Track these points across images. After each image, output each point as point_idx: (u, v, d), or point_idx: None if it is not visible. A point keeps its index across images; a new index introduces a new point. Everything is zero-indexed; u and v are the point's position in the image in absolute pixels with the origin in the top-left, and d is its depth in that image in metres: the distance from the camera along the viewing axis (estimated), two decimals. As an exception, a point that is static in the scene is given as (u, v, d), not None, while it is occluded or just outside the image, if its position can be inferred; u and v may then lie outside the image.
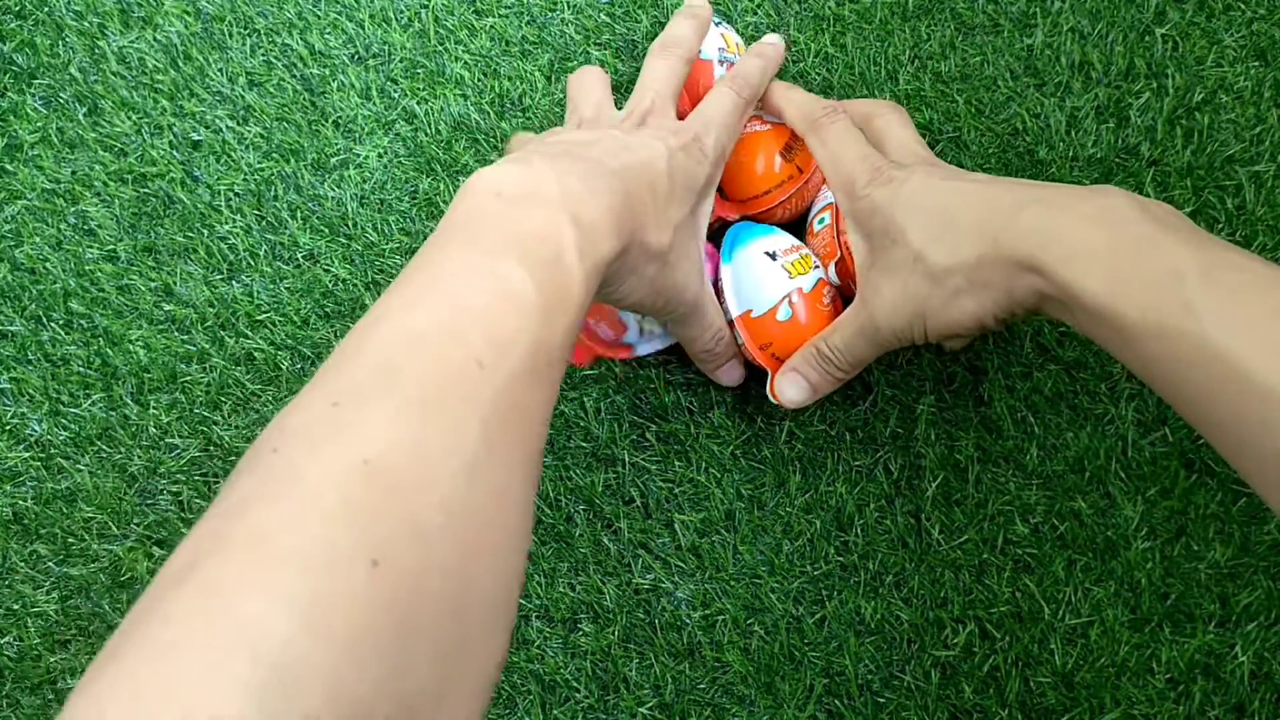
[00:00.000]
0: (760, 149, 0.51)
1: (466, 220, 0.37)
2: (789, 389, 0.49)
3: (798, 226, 0.54)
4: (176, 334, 0.55)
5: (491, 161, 0.56)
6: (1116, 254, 0.38)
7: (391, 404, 0.29)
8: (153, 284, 0.55)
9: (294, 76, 0.57)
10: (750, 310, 0.49)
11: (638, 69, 0.56)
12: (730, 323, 0.49)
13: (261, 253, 0.55)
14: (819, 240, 0.51)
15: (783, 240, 0.50)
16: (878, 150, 0.49)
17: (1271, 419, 0.32)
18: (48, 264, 0.56)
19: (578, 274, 0.37)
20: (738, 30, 0.57)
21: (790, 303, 0.49)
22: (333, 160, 0.56)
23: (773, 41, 0.52)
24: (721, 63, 0.52)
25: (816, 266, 0.50)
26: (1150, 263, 0.37)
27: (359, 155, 0.56)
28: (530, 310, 0.34)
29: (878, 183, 0.46)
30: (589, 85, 0.49)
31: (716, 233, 0.51)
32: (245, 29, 0.58)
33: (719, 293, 0.50)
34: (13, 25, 0.59)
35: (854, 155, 0.47)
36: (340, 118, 0.57)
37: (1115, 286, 0.37)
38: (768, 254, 0.49)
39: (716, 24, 0.53)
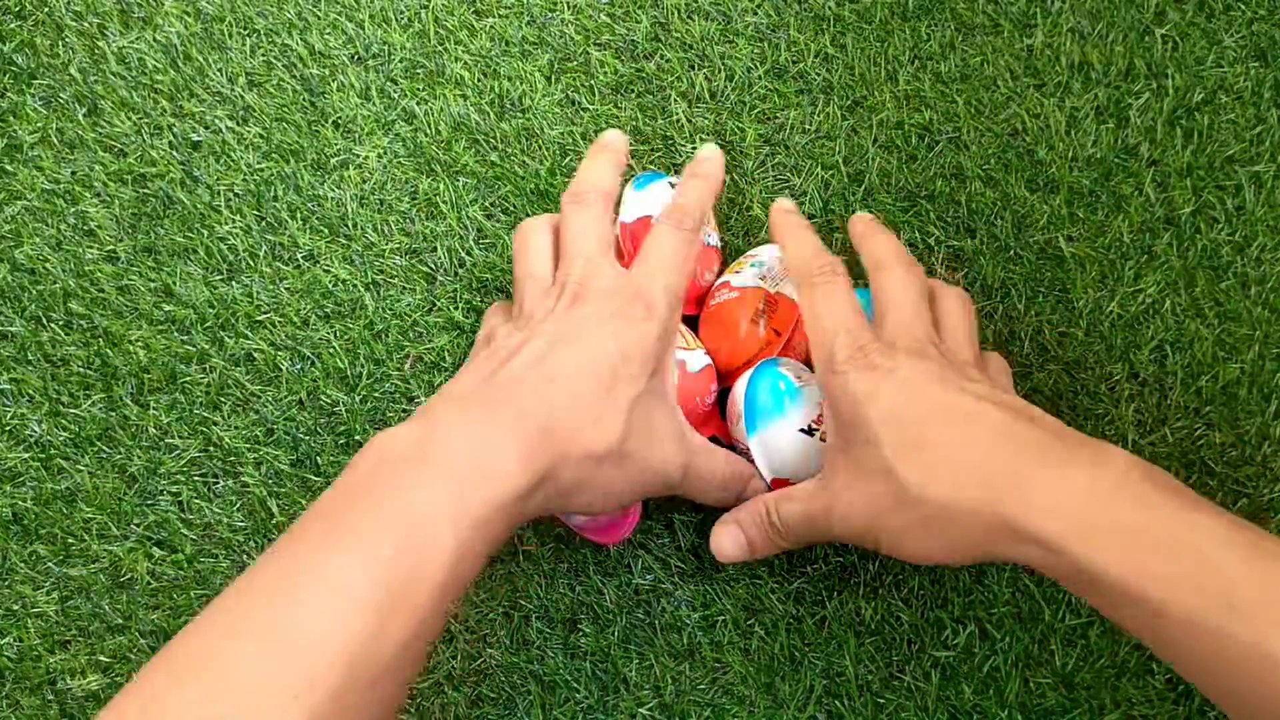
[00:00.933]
0: (735, 317, 0.49)
1: (336, 496, 0.37)
2: (726, 542, 0.46)
3: None
4: (176, 334, 0.55)
5: (491, 162, 0.56)
6: (1135, 529, 0.34)
7: None
8: (152, 284, 0.55)
9: (294, 77, 0.57)
10: (790, 478, 0.46)
11: (638, 69, 0.56)
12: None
13: (261, 253, 0.55)
14: None
15: (812, 405, 0.45)
16: (879, 305, 0.44)
17: None
18: (47, 264, 0.56)
19: (447, 541, 0.35)
20: (734, 46, 0.57)
21: None
22: (332, 160, 0.56)
23: (709, 156, 0.47)
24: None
25: None
26: (1178, 542, 0.33)
27: (359, 155, 0.56)
28: (356, 620, 0.33)
29: (856, 363, 0.41)
30: (527, 246, 0.46)
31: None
32: (245, 29, 0.58)
33: (743, 453, 0.46)
34: (13, 25, 0.59)
35: (838, 324, 0.43)
36: (340, 118, 0.57)
37: (1140, 569, 0.33)
38: (803, 431, 0.45)
39: (670, 182, 0.50)
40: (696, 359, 0.48)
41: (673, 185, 0.50)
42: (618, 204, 0.49)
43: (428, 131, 0.56)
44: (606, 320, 0.42)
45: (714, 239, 0.51)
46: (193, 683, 0.31)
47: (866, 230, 0.48)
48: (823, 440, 0.45)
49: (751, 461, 0.47)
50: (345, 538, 0.34)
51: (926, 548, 0.39)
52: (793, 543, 0.45)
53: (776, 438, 0.45)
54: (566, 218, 0.46)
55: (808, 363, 0.48)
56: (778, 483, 0.47)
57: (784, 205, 0.49)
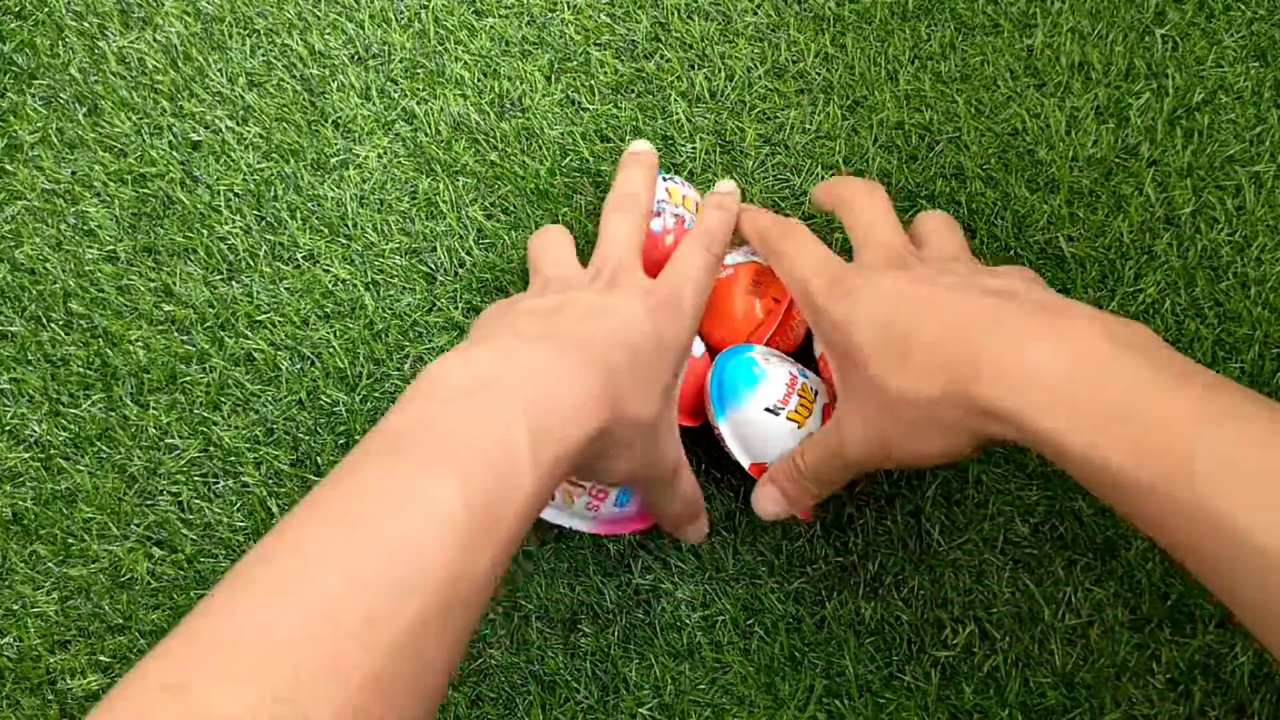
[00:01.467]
0: (731, 293, 0.49)
1: (409, 418, 0.36)
2: (766, 502, 0.46)
3: (805, 351, 0.51)
4: (176, 334, 0.55)
5: (491, 162, 0.56)
6: (1093, 397, 0.34)
7: (245, 690, 0.27)
8: (152, 284, 0.55)
9: (294, 77, 0.57)
10: (763, 462, 0.47)
11: (638, 69, 0.56)
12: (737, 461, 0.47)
13: (261, 253, 0.55)
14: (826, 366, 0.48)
15: (776, 386, 0.46)
16: (855, 240, 0.45)
17: None
18: (47, 264, 0.56)
19: (528, 478, 0.35)
20: (734, 46, 0.57)
21: None
22: (332, 160, 0.56)
23: (728, 190, 0.50)
24: (674, 217, 0.50)
25: (817, 394, 0.47)
26: (1135, 408, 0.33)
27: (359, 155, 0.56)
28: (451, 537, 0.32)
29: (835, 295, 0.42)
30: (551, 244, 0.47)
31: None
32: (245, 29, 0.58)
33: (718, 440, 0.47)
34: (13, 25, 0.59)
35: (810, 266, 0.44)
36: (340, 118, 0.57)
37: (1099, 436, 0.33)
38: (768, 410, 0.46)
39: (664, 178, 0.52)
40: (696, 346, 0.49)
41: (665, 179, 0.51)
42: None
43: (428, 131, 0.56)
44: (650, 307, 0.43)
45: None
46: (287, 609, 0.30)
47: (824, 188, 0.49)
48: (789, 420, 0.46)
49: (726, 449, 0.47)
50: (438, 461, 0.34)
51: (932, 447, 0.39)
52: (822, 485, 0.45)
53: (744, 420, 0.46)
54: (608, 223, 0.47)
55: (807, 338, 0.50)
56: (755, 468, 0.47)
57: (723, 186, 0.51)
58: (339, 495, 0.33)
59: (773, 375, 0.46)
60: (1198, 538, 0.32)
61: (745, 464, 0.47)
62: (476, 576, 0.32)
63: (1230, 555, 0.31)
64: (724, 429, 0.47)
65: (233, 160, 0.56)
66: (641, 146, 0.51)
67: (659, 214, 0.50)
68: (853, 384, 0.42)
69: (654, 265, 0.47)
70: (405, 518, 0.32)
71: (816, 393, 0.47)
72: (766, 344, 0.49)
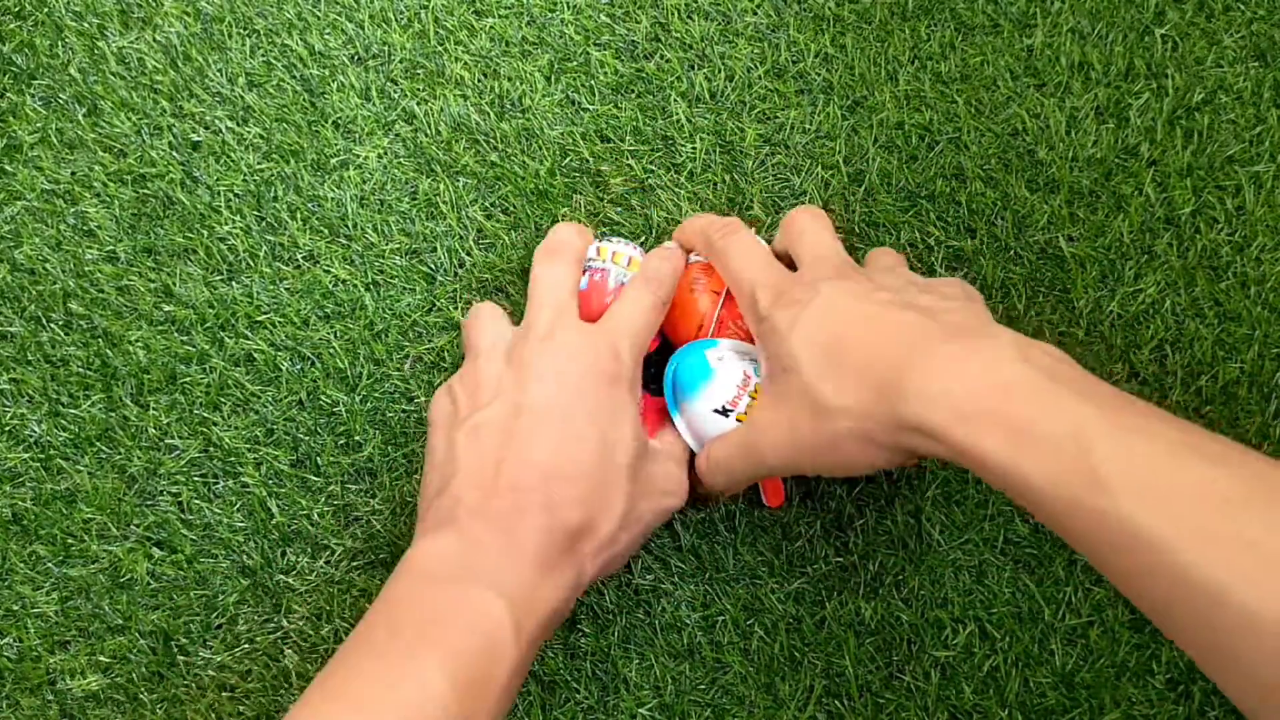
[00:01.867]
0: (680, 294, 0.50)
1: (395, 609, 0.39)
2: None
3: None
4: (176, 335, 0.55)
5: (491, 162, 0.56)
6: (1011, 414, 0.35)
7: None
8: (152, 285, 0.55)
9: (293, 77, 0.57)
10: None
11: (638, 69, 0.56)
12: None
13: (261, 253, 0.55)
14: None
15: (727, 386, 0.47)
16: (794, 254, 0.47)
17: (1218, 618, 0.30)
18: (47, 265, 0.56)
19: (510, 656, 0.38)
20: (734, 46, 0.57)
21: None
22: (332, 161, 0.56)
23: (673, 247, 0.51)
24: (602, 272, 0.51)
25: None
26: (1050, 424, 0.35)
27: (359, 156, 0.56)
28: (443, 716, 0.36)
29: (780, 304, 0.44)
30: (485, 327, 0.49)
31: (654, 364, 0.50)
32: (245, 30, 0.58)
33: (675, 430, 0.49)
34: (12, 26, 0.59)
35: (756, 274, 0.46)
36: (340, 118, 0.57)
37: (1017, 451, 0.35)
38: (717, 411, 0.47)
39: (603, 237, 0.52)
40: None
41: (604, 238, 0.52)
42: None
43: (428, 132, 0.56)
44: (581, 383, 0.44)
45: None
46: None
47: (781, 229, 0.50)
48: (738, 421, 0.47)
49: (684, 439, 0.49)
50: (426, 647, 0.37)
51: (854, 458, 0.41)
52: (731, 480, 0.47)
53: (695, 417, 0.48)
54: (539, 270, 0.49)
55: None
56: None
57: (666, 245, 0.53)
58: (349, 680, 0.37)
59: (723, 374, 0.47)
60: (1111, 550, 0.33)
61: (698, 451, 0.48)
62: None
63: (1144, 565, 0.32)
64: (679, 422, 0.48)
65: (233, 161, 0.56)
66: (573, 227, 0.52)
67: (595, 270, 0.50)
68: (782, 389, 0.43)
69: (589, 319, 0.48)
70: (405, 703, 0.36)
71: None
72: (713, 336, 0.49)
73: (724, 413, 0.47)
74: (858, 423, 0.40)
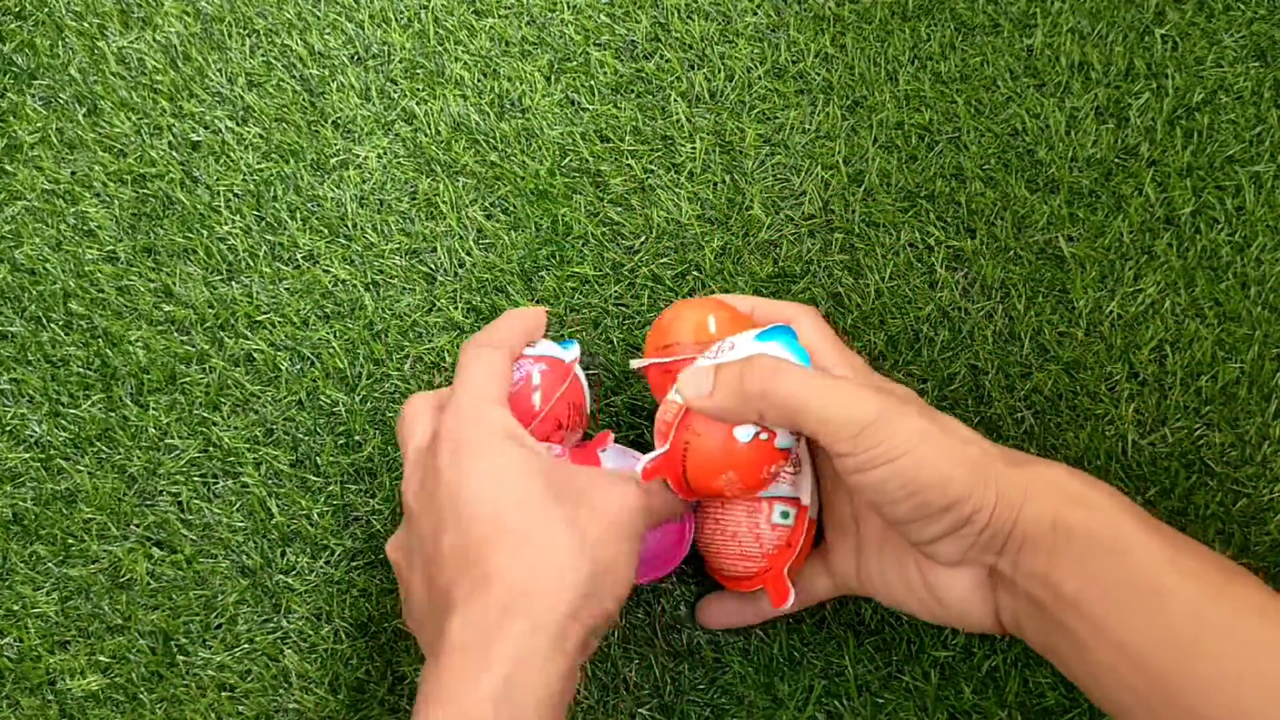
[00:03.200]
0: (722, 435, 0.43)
1: None
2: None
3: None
4: (176, 335, 0.55)
5: (491, 162, 0.56)
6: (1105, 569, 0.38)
7: None
8: (152, 285, 0.55)
9: (293, 77, 0.57)
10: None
11: (638, 69, 0.56)
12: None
13: (261, 253, 0.55)
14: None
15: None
16: (830, 364, 0.45)
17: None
18: (47, 265, 0.56)
19: None
20: (734, 46, 0.57)
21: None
22: (332, 161, 0.56)
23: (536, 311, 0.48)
24: (540, 372, 0.47)
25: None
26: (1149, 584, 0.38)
27: (358, 156, 0.56)
28: None
29: (863, 443, 0.39)
30: (416, 424, 0.44)
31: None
32: (245, 29, 0.58)
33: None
34: (12, 25, 0.59)
35: (833, 406, 0.40)
36: (340, 118, 0.57)
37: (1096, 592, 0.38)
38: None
39: (562, 345, 0.49)
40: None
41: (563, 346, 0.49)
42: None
43: (427, 131, 0.56)
44: (488, 464, 0.41)
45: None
46: None
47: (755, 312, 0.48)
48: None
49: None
50: None
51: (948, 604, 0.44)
52: (724, 398, 0.42)
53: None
54: (460, 362, 0.45)
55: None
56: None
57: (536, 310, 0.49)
58: None
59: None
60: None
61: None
62: None
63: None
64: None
65: (232, 160, 0.56)
66: (535, 311, 0.48)
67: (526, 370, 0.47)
68: (865, 527, 0.45)
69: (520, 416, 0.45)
70: None
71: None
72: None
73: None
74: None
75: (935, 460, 0.39)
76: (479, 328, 0.54)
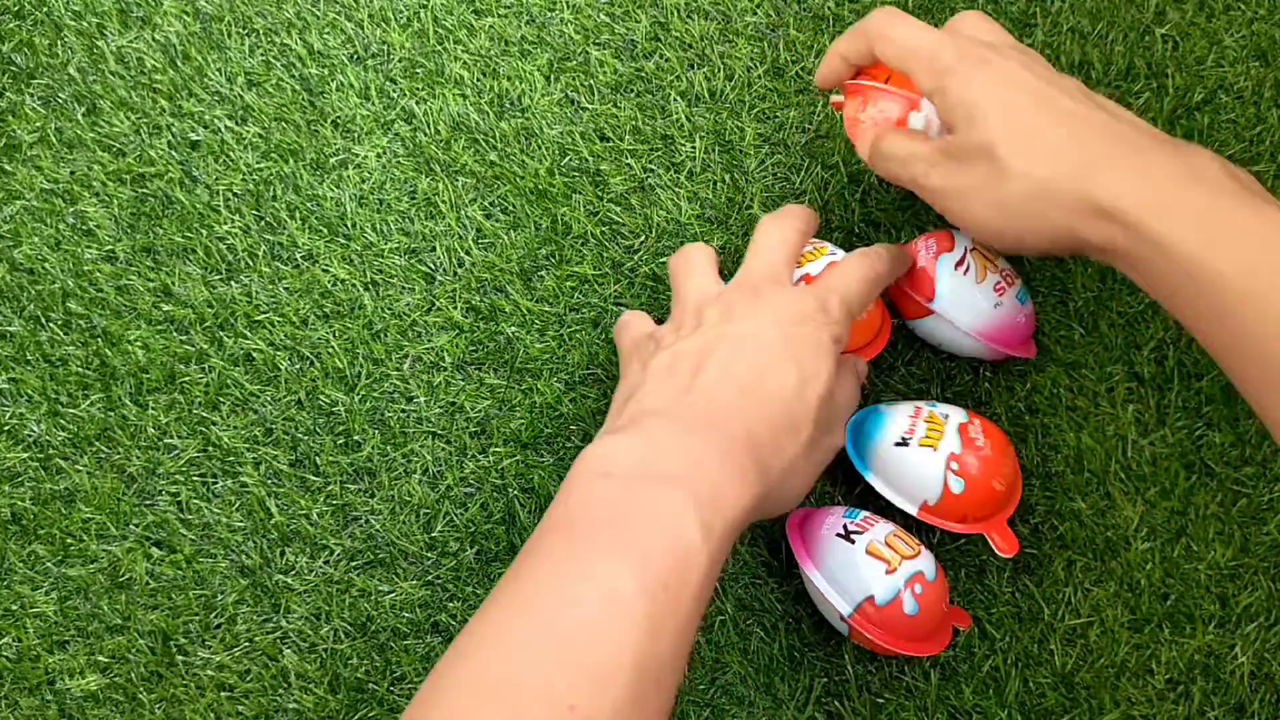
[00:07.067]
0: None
1: (574, 511, 0.37)
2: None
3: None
4: (175, 334, 0.55)
5: (490, 161, 0.56)
6: (1213, 211, 0.37)
7: None
8: (151, 284, 0.55)
9: (292, 76, 0.57)
10: (925, 500, 0.48)
11: (637, 69, 0.56)
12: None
13: (260, 253, 0.55)
14: None
15: (900, 420, 0.48)
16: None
17: None
18: (46, 264, 0.56)
19: (702, 557, 0.36)
20: (734, 46, 0.57)
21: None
22: (331, 160, 0.56)
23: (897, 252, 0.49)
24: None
25: (947, 418, 0.48)
26: (1251, 223, 0.36)
27: (358, 155, 0.56)
28: (635, 622, 0.34)
29: (969, 60, 0.42)
30: (693, 268, 0.48)
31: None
32: (244, 29, 0.58)
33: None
34: (11, 25, 0.59)
35: (934, 37, 0.43)
36: (339, 118, 0.57)
37: (1212, 243, 0.36)
38: (898, 444, 0.48)
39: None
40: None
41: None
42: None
43: (427, 131, 0.56)
44: (786, 325, 0.43)
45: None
46: (494, 700, 0.32)
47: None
48: (921, 446, 0.47)
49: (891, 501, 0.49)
50: (614, 549, 0.35)
51: (1015, 225, 0.41)
52: (890, 164, 0.46)
53: (882, 462, 0.48)
54: (762, 228, 0.48)
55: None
56: (924, 512, 0.48)
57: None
58: (529, 587, 0.35)
59: (895, 413, 0.49)
60: None
61: (913, 511, 0.48)
62: (662, 658, 0.34)
63: None
64: (873, 481, 0.49)
65: (231, 160, 0.56)
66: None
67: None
68: (961, 143, 0.42)
69: None
70: (592, 608, 0.34)
71: (946, 416, 0.48)
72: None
73: (904, 443, 0.47)
74: (1042, 194, 0.40)
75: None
76: (479, 327, 0.54)
